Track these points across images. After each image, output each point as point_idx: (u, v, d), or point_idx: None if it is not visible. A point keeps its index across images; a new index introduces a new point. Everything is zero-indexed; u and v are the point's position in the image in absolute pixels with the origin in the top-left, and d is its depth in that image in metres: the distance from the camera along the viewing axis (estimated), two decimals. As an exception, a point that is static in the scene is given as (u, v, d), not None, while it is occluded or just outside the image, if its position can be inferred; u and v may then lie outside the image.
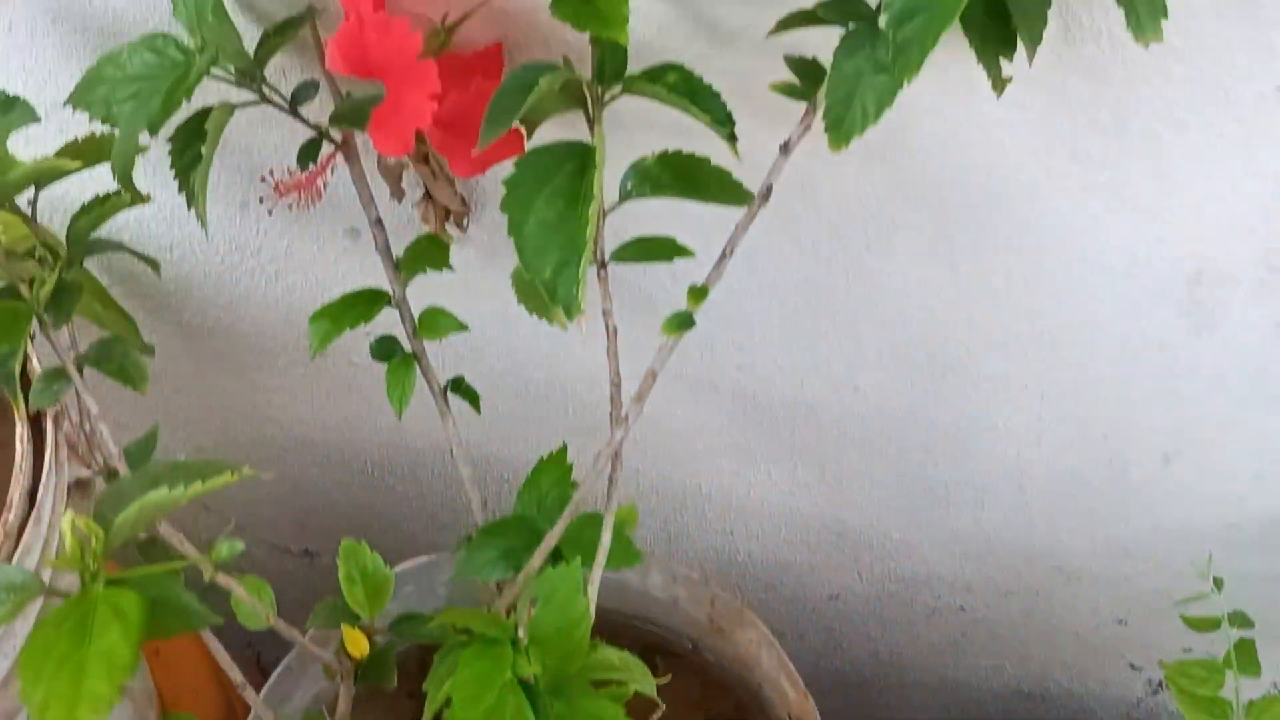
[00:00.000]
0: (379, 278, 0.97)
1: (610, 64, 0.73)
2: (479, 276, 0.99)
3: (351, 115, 0.78)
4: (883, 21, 0.63)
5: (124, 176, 0.72)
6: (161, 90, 0.73)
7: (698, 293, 0.75)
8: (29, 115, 0.78)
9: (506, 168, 0.71)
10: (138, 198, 0.76)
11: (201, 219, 0.76)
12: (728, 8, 0.78)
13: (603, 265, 0.77)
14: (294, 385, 1.16)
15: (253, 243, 1.02)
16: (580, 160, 0.70)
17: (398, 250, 0.87)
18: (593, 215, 0.66)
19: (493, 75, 0.82)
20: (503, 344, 1.06)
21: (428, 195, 0.91)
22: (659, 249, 0.76)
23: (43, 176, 0.76)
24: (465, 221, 0.94)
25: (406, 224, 0.96)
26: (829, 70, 0.68)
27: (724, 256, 0.74)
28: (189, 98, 0.73)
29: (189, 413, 1.22)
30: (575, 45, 0.81)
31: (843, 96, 0.68)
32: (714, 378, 1.03)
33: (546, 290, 0.68)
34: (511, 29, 0.82)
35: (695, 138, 0.73)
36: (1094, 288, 0.89)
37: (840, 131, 0.68)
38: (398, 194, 0.91)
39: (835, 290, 0.93)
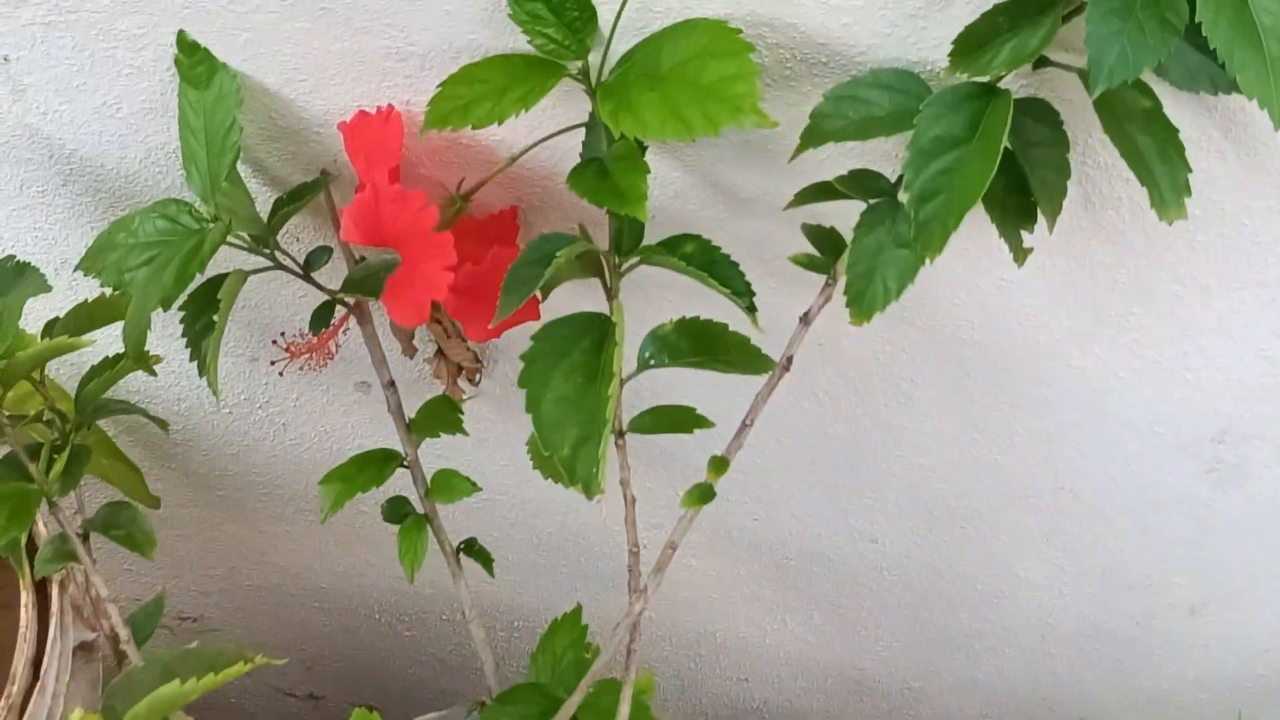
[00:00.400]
0: (389, 431, 0.96)
1: (628, 235, 0.72)
2: (491, 429, 0.98)
3: (366, 284, 0.77)
4: (904, 199, 0.63)
5: (136, 350, 0.71)
6: (175, 261, 0.73)
7: (718, 464, 0.73)
8: (40, 285, 0.77)
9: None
10: (149, 369, 0.75)
11: (213, 387, 0.75)
12: (743, 174, 0.77)
13: (620, 435, 0.76)
14: (301, 533, 1.14)
15: (261, 395, 1.01)
16: (599, 334, 0.69)
17: (410, 410, 0.86)
18: (613, 393, 0.65)
19: (508, 241, 0.81)
20: (515, 495, 1.04)
21: (440, 352, 0.90)
22: (678, 420, 0.75)
23: (56, 355, 0.75)
24: (478, 377, 0.93)
25: (418, 379, 0.95)
26: (850, 244, 0.68)
27: (745, 426, 0.73)
28: (203, 270, 0.72)
29: (194, 558, 1.20)
30: (591, 210, 0.80)
31: (864, 271, 0.68)
32: (729, 528, 1.02)
33: (565, 467, 0.66)
34: (526, 193, 0.81)
35: (712, 299, 0.72)
36: (1117, 444, 0.88)
37: (862, 306, 0.68)
38: (409, 351, 0.90)
39: (854, 444, 0.92)
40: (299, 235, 0.86)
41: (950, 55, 0.64)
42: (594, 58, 0.69)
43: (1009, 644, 1.07)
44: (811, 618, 1.09)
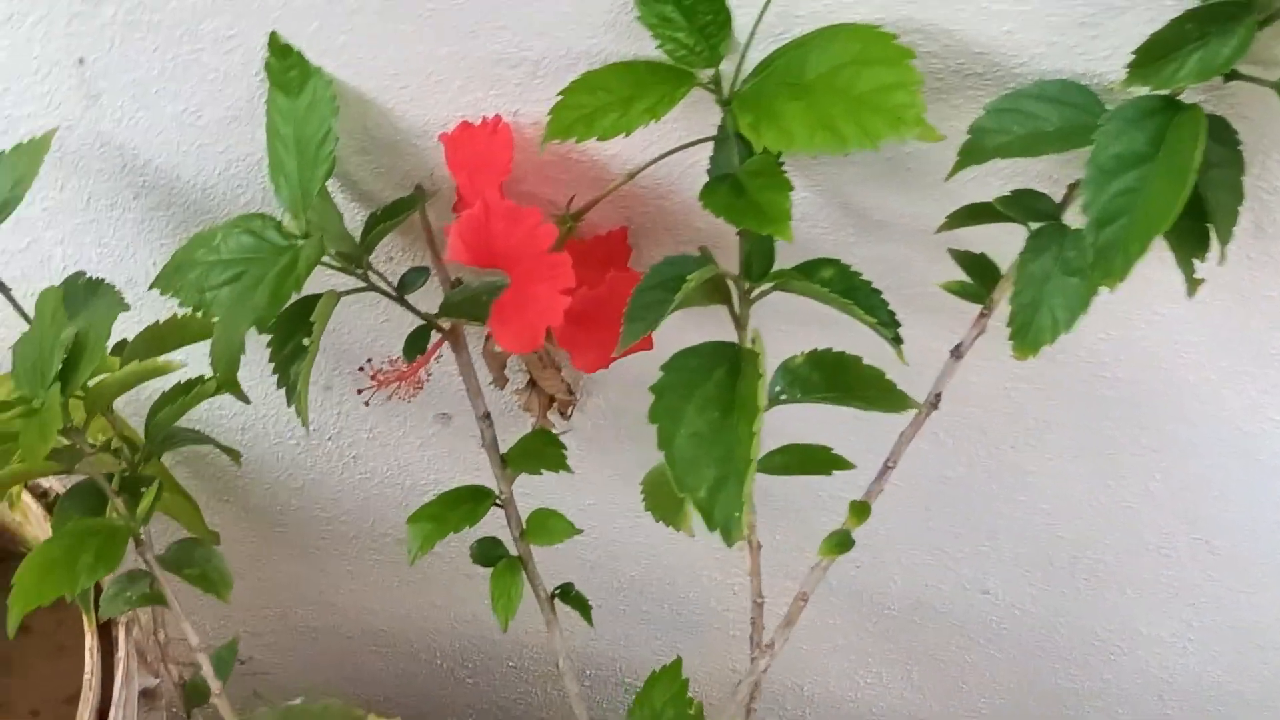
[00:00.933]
0: (467, 465, 0.91)
1: (758, 259, 0.66)
2: (579, 467, 0.91)
3: (468, 308, 0.71)
4: (1083, 222, 0.57)
5: (227, 375, 0.65)
6: (267, 280, 0.67)
7: (860, 510, 0.67)
8: (117, 304, 0.72)
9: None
10: (242, 396, 0.69)
11: (303, 418, 0.69)
12: (878, 196, 0.72)
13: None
14: (365, 572, 1.08)
15: (332, 425, 0.95)
16: (732, 364, 0.63)
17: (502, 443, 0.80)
18: (757, 430, 0.59)
19: (619, 263, 0.76)
20: (597, 536, 0.98)
21: (532, 383, 0.85)
22: (814, 460, 0.69)
23: (146, 379, 0.70)
24: (570, 410, 0.87)
25: (504, 411, 0.89)
26: (1015, 271, 0.62)
27: (887, 469, 0.67)
28: (299, 290, 0.66)
29: (247, 597, 1.14)
30: (707, 232, 0.75)
31: (1029, 301, 0.62)
32: (827, 574, 0.95)
33: (702, 511, 0.60)
34: (636, 212, 0.76)
35: (834, 330, 0.66)
36: (1261, 492, 0.81)
37: (1027, 339, 0.62)
38: (500, 381, 0.84)
39: (973, 488, 0.86)
40: (390, 254, 0.80)
41: (1130, 66, 0.58)
42: (726, 66, 0.63)
43: (1123, 703, 1.00)
44: (909, 672, 1.02)
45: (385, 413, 0.93)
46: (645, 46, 0.65)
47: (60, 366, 0.61)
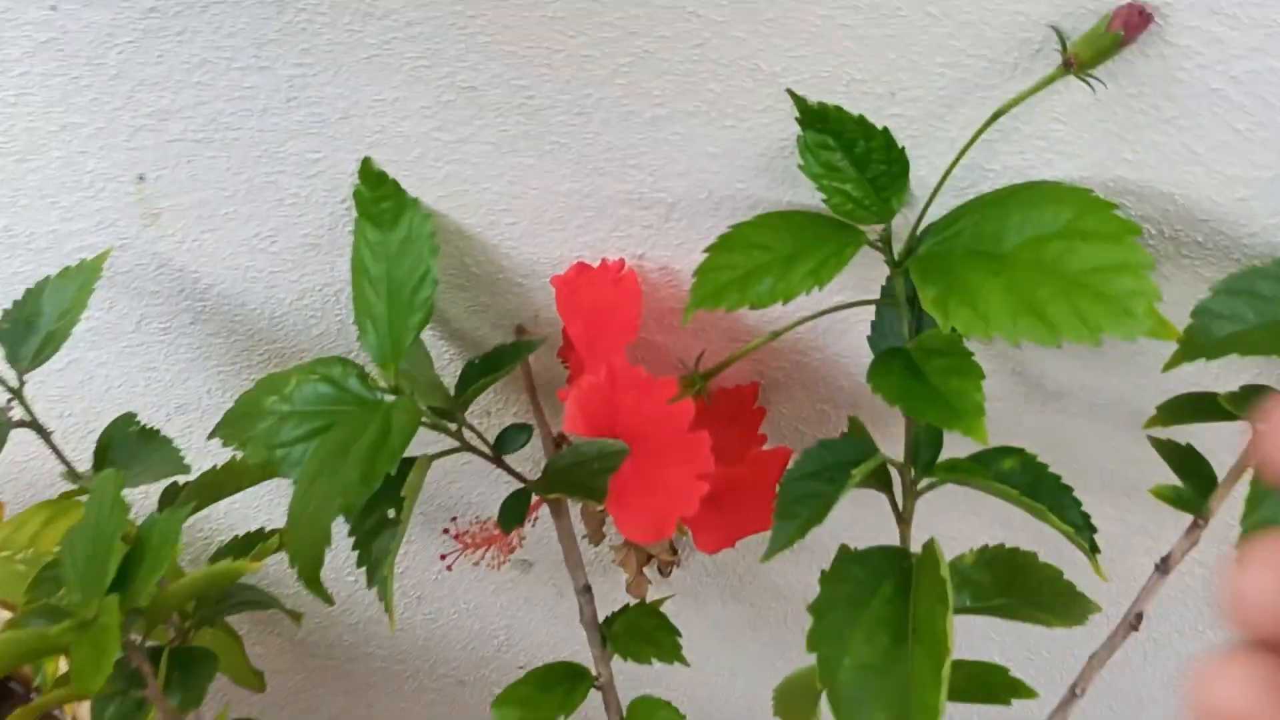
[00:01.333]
0: (545, 613, 0.82)
1: (927, 445, 0.57)
2: (675, 621, 0.81)
3: (579, 482, 0.62)
4: None
5: (312, 573, 0.56)
6: (354, 453, 0.57)
7: None
8: (175, 465, 0.62)
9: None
10: (328, 599, 0.59)
11: (389, 610, 0.60)
12: (1055, 364, 0.62)
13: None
14: (419, 713, 0.98)
15: (398, 562, 0.85)
16: (900, 575, 0.53)
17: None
18: (945, 674, 0.49)
19: (747, 424, 0.66)
20: (690, 694, 0.88)
21: (631, 541, 0.75)
22: (989, 685, 0.59)
23: (221, 584, 0.60)
24: (670, 570, 0.77)
25: (592, 560, 0.80)
26: (1250, 490, 0.52)
27: (1073, 696, 0.57)
28: (394, 466, 0.56)
29: (287, 728, 1.04)
30: (849, 391, 0.66)
31: (1261, 520, 0.52)
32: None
33: (871, 766, 0.50)
34: (770, 366, 0.67)
35: (988, 513, 0.57)
36: None
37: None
38: (596, 538, 0.75)
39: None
40: (486, 407, 0.71)
41: None
42: (898, 220, 0.54)
43: None
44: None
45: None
46: (800, 193, 0.57)
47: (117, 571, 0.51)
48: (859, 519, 0.63)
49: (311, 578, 0.55)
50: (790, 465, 0.57)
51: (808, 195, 0.57)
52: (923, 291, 0.50)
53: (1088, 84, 0.49)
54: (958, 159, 0.51)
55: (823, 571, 0.53)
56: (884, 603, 0.52)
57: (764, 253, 0.54)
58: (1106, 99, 0.51)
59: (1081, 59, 0.48)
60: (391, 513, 0.62)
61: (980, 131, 0.50)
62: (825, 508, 0.55)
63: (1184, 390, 0.57)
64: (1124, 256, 0.47)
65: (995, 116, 0.50)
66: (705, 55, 0.53)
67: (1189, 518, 0.56)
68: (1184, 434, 0.58)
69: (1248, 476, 0.53)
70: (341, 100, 0.58)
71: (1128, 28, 0.47)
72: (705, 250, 0.53)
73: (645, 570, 0.77)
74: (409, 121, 0.59)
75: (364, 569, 0.62)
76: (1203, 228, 0.54)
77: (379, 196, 0.62)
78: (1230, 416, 0.54)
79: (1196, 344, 0.52)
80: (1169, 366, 0.52)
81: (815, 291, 0.51)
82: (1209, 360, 0.51)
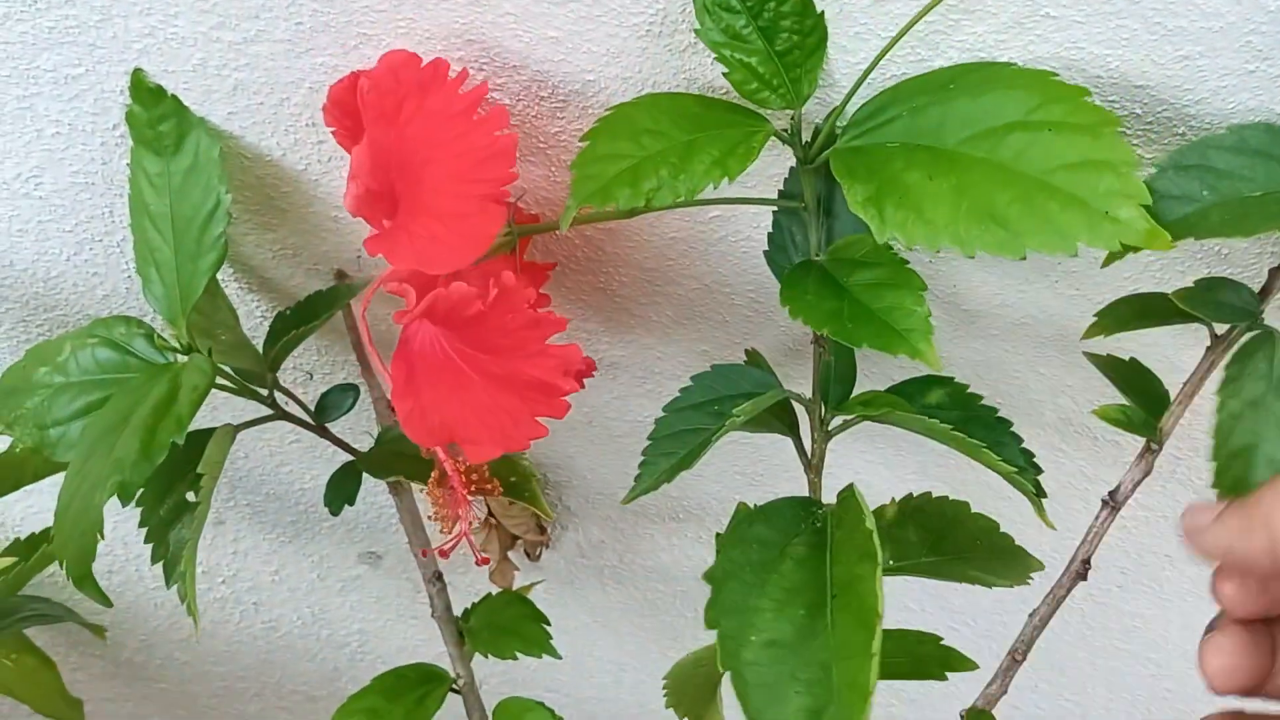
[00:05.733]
0: (401, 612, 0.72)
1: (840, 377, 0.48)
2: (547, 611, 0.72)
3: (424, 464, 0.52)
4: None
5: (80, 569, 0.45)
6: (137, 423, 0.46)
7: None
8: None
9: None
10: (103, 600, 0.48)
11: (192, 610, 0.49)
12: (975, 276, 0.54)
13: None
14: (269, 733, 0.87)
15: (227, 566, 0.74)
16: (815, 532, 0.44)
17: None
18: (876, 648, 0.39)
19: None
20: (570, 695, 0.79)
21: (491, 519, 0.65)
22: (922, 658, 0.50)
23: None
24: (539, 552, 0.68)
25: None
26: (1218, 420, 0.44)
27: (1014, 662, 0.49)
28: (182, 433, 0.46)
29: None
30: (741, 307, 0.56)
31: (1239, 448, 0.44)
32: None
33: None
34: (605, 248, 0.57)
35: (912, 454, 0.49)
36: None
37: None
38: (449, 520, 0.64)
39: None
40: (303, 364, 0.61)
41: None
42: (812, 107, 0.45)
43: None
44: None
45: (295, 551, 0.73)
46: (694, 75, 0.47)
47: None
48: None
49: (82, 575, 0.45)
50: (678, 393, 0.48)
51: (669, 78, 0.47)
52: (850, 191, 0.41)
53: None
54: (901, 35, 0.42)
55: (718, 535, 0.44)
56: (796, 565, 0.43)
57: (656, 139, 0.43)
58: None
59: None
60: (191, 495, 0.51)
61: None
62: (702, 447, 0.46)
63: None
64: (1101, 152, 0.38)
65: None
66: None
67: (1129, 457, 0.48)
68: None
69: (1211, 388, 0.45)
70: (98, -2, 0.48)
71: None
72: (583, 138, 0.43)
73: (510, 555, 0.67)
74: (182, 20, 0.48)
75: (161, 565, 0.51)
76: (1141, 96, 0.46)
77: (156, 117, 0.51)
78: (1185, 318, 0.45)
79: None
80: (1109, 260, 0.43)
81: (725, 184, 0.42)
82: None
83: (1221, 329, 0.46)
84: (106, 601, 0.47)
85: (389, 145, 0.44)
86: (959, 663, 0.50)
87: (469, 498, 0.59)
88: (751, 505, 0.45)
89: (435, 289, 0.41)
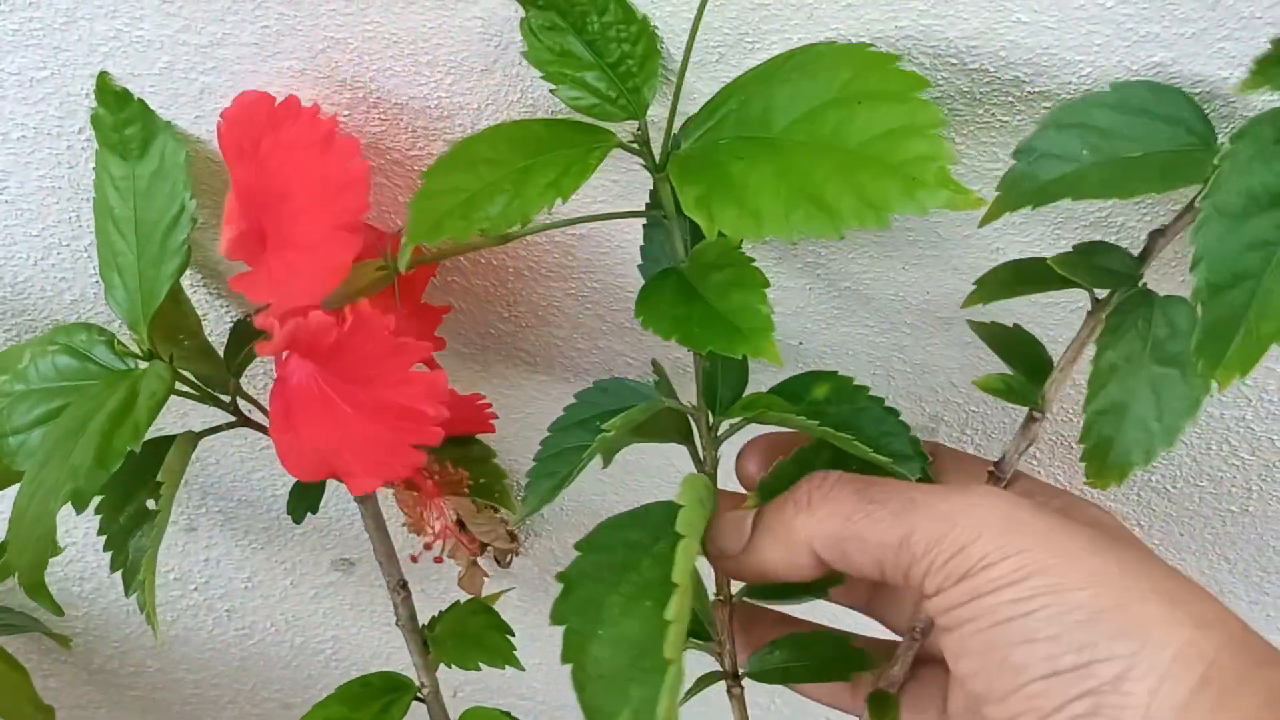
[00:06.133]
0: (375, 619, 0.72)
1: (727, 380, 0.48)
2: (520, 619, 0.71)
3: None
4: (1188, 288, 0.39)
5: (33, 579, 0.44)
6: (95, 429, 0.46)
7: (881, 706, 0.48)
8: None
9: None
10: (55, 609, 0.48)
11: (152, 621, 0.49)
12: (857, 259, 0.53)
13: (737, 680, 0.51)
14: (242, 743, 0.87)
15: (199, 574, 0.74)
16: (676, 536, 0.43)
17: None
18: (675, 615, 0.38)
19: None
20: (543, 700, 0.78)
21: (459, 525, 0.65)
22: (826, 659, 0.50)
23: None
24: (509, 558, 0.67)
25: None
26: (1091, 368, 0.44)
27: (913, 641, 0.49)
28: (138, 440, 0.45)
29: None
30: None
31: (1108, 406, 0.44)
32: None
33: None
34: (499, 279, 0.57)
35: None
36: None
37: (1108, 462, 0.45)
38: (418, 526, 0.64)
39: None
40: (264, 365, 0.60)
41: (1257, 62, 0.40)
42: (656, 112, 0.45)
43: None
44: None
45: (267, 558, 0.72)
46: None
47: None
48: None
49: (34, 584, 0.44)
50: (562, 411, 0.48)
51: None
52: (685, 195, 0.41)
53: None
54: (698, 19, 0.42)
55: (579, 542, 0.43)
56: (654, 562, 0.42)
57: (493, 169, 0.42)
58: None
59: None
60: (151, 503, 0.51)
61: None
62: (580, 466, 0.46)
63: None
64: (909, 117, 0.38)
65: None
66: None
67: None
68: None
69: (1088, 354, 0.44)
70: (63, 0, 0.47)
71: None
72: (421, 175, 0.42)
73: (480, 561, 0.67)
74: (148, 22, 0.48)
75: (120, 574, 0.51)
76: (1009, 65, 0.45)
77: (123, 121, 0.51)
78: (1064, 284, 0.45)
79: (1020, 190, 0.42)
80: (986, 220, 0.42)
81: (559, 204, 0.41)
82: (1035, 208, 0.42)
83: (1102, 294, 0.46)
84: (58, 610, 0.47)
85: (250, 183, 0.44)
86: (866, 662, 0.50)
87: (439, 500, 0.59)
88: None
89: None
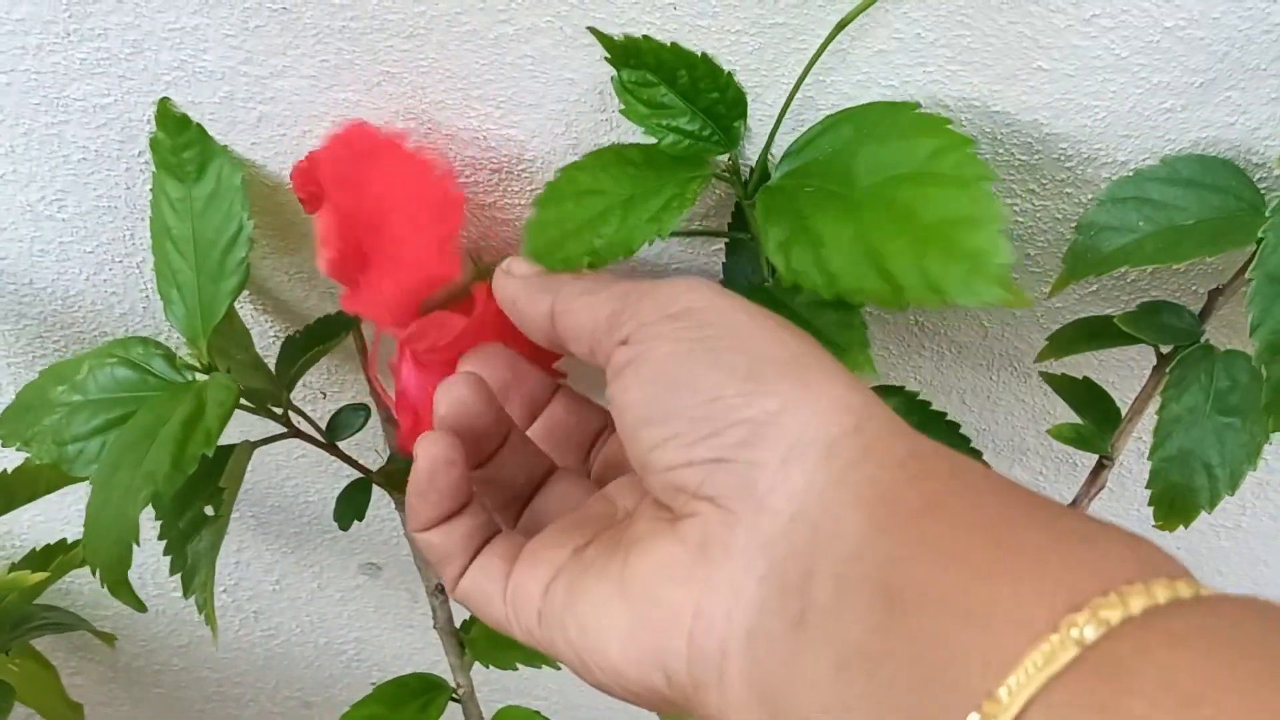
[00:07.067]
0: (398, 621, 0.74)
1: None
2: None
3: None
4: (1254, 349, 0.42)
5: (116, 576, 0.47)
6: (164, 436, 0.49)
7: None
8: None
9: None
10: (139, 605, 0.50)
11: (210, 621, 0.52)
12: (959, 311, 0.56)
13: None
14: (262, 740, 0.89)
15: (228, 575, 0.76)
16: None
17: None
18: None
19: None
20: (560, 698, 0.81)
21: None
22: None
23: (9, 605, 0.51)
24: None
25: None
26: (1158, 421, 0.47)
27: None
28: (211, 448, 0.48)
29: (114, 765, 0.94)
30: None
31: (1176, 454, 0.48)
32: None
33: None
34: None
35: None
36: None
37: (1176, 507, 0.48)
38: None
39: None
40: (315, 382, 0.63)
41: None
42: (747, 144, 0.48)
43: None
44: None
45: (296, 562, 0.75)
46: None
47: None
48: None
49: (118, 580, 0.47)
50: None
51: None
52: (766, 235, 0.44)
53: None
54: (797, 85, 0.45)
55: None
56: None
57: (598, 199, 0.46)
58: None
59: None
60: (209, 510, 0.53)
61: (824, 45, 0.43)
62: None
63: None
64: (975, 207, 0.40)
65: (840, 27, 0.43)
66: (555, -42, 0.45)
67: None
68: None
69: (1153, 408, 0.48)
70: (130, 31, 0.50)
71: None
72: (532, 204, 0.46)
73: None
74: (211, 54, 0.50)
75: (179, 576, 0.53)
76: (1126, 145, 0.48)
77: (181, 144, 0.53)
78: (1129, 340, 0.48)
79: (1084, 262, 0.47)
80: (1055, 290, 0.46)
81: (658, 241, 0.44)
82: (1099, 276, 0.45)
83: (1166, 349, 0.49)
84: (141, 606, 0.50)
85: (351, 207, 0.47)
86: None
87: None
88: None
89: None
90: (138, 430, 0.50)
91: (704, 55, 0.46)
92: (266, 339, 0.61)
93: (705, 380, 0.34)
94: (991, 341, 0.57)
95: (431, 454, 0.39)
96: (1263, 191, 0.46)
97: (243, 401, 0.55)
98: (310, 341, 0.56)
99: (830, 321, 0.45)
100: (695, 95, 0.46)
